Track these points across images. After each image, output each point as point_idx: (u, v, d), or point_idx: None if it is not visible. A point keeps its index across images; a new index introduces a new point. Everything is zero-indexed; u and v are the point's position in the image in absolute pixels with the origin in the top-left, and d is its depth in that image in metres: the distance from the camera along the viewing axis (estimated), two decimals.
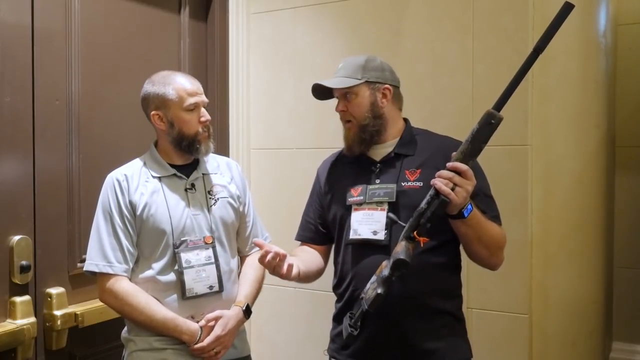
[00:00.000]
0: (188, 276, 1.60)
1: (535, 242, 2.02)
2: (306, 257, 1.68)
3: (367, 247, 1.54)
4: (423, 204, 1.37)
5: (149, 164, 1.67)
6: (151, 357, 1.60)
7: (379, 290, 1.37)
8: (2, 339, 1.62)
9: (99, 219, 1.62)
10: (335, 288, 1.66)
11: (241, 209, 1.77)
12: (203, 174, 1.71)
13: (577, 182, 2.11)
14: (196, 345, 1.58)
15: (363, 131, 1.59)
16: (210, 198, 1.69)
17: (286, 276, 1.49)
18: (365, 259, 1.54)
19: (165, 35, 2.30)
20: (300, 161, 2.48)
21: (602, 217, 2.30)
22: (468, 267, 1.74)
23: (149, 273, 1.61)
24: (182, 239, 1.61)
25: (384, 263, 1.41)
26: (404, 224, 1.41)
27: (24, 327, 1.68)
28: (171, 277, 1.60)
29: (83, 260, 1.70)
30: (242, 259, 1.82)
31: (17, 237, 1.71)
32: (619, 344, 2.96)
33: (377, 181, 1.58)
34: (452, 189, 1.34)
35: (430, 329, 1.52)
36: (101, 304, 1.67)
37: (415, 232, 1.36)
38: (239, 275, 1.77)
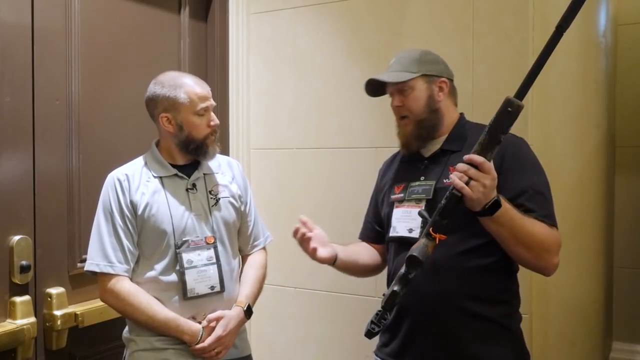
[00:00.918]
0: (189, 276, 1.60)
1: None
2: (354, 249, 1.66)
3: (403, 244, 1.48)
4: (443, 200, 1.29)
5: (150, 163, 1.67)
6: (152, 357, 1.60)
7: (395, 288, 1.31)
8: (2, 339, 1.62)
9: (99, 219, 1.61)
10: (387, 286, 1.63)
11: (242, 208, 1.77)
12: (204, 173, 1.71)
13: (576, 182, 2.11)
14: (197, 346, 1.58)
15: (420, 126, 1.53)
16: (211, 198, 1.69)
17: (314, 257, 1.53)
18: (401, 256, 1.45)
19: (165, 35, 2.30)
20: (300, 161, 2.47)
21: (602, 217, 2.30)
22: None
23: (151, 274, 1.61)
24: (183, 239, 1.61)
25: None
26: None
27: (24, 327, 1.68)
28: (172, 277, 1.60)
29: (83, 260, 1.70)
30: (243, 259, 1.82)
31: (17, 237, 1.71)
32: (619, 344, 2.95)
33: (422, 178, 1.53)
34: (467, 183, 1.25)
35: (466, 335, 1.43)
36: (101, 303, 1.67)
37: (431, 229, 1.28)
38: (240, 275, 1.77)
